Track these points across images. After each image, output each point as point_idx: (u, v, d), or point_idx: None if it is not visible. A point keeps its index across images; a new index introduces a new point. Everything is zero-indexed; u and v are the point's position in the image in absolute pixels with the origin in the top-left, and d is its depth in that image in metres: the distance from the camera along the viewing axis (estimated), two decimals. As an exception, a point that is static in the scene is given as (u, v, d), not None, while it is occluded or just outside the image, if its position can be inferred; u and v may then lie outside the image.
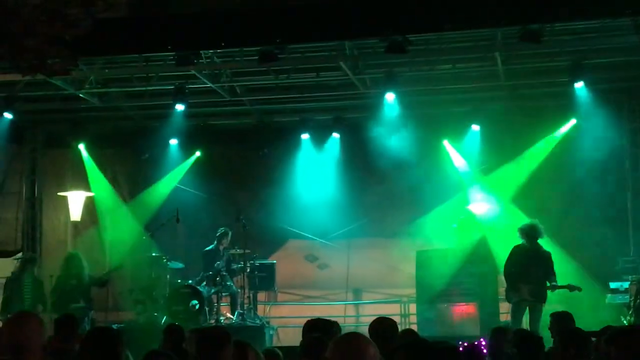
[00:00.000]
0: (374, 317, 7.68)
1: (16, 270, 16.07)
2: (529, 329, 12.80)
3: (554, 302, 13.92)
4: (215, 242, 17.41)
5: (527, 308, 13.83)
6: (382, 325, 7.35)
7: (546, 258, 14.00)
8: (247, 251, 17.11)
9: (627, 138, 17.33)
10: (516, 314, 13.82)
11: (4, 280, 17.47)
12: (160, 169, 19.31)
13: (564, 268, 15.91)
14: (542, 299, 13.84)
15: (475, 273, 14.92)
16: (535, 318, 13.61)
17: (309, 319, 7.85)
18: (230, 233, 17.37)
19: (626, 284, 15.48)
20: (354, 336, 4.75)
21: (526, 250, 13.94)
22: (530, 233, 13.99)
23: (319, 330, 7.27)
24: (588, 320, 11.50)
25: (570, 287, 14.00)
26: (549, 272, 13.90)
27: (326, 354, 4.64)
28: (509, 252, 14.23)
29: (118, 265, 16.69)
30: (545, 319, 12.35)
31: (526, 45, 14.08)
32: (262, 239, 18.18)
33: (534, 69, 16.58)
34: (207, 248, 17.46)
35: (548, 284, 13.92)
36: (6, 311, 15.39)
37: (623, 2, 13.05)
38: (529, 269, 13.81)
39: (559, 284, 14.00)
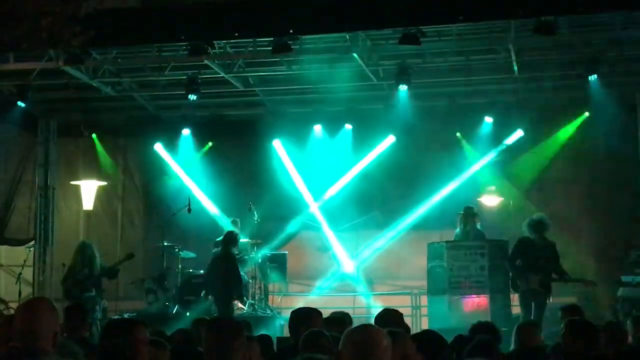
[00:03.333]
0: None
1: (218, 250, 15.54)
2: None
3: (568, 295, 13.91)
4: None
5: (534, 300, 13.82)
6: (387, 317, 7.33)
7: (552, 249, 14.05)
8: (258, 241, 17.14)
9: (640, 131, 17.27)
10: (526, 304, 13.83)
11: (17, 269, 17.57)
12: (173, 159, 19.34)
13: (577, 261, 15.91)
14: (549, 289, 13.89)
15: (486, 265, 14.89)
16: (540, 309, 13.61)
17: (322, 309, 7.84)
18: (239, 221, 17.42)
19: (638, 278, 15.44)
20: (367, 328, 4.71)
21: (533, 242, 13.96)
22: (537, 227, 14.01)
23: (305, 320, 7.25)
24: (600, 313, 11.47)
25: (585, 282, 14.01)
26: (556, 263, 13.96)
27: (339, 346, 4.61)
28: (516, 242, 14.25)
29: (129, 255, 16.69)
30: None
31: (540, 38, 14.02)
32: (274, 230, 18.23)
33: (548, 62, 16.53)
34: (218, 239, 17.49)
35: (556, 276, 13.92)
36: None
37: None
38: (537, 260, 13.84)
39: (572, 277, 14.00)
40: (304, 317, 7.38)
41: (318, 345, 6.20)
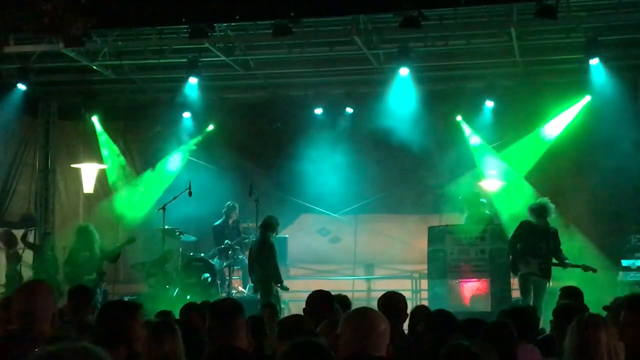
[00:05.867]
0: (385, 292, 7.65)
1: (258, 235, 15.27)
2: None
3: (567, 279, 13.92)
4: (224, 216, 17.45)
5: (533, 284, 13.84)
6: (392, 301, 7.32)
7: (554, 235, 14.08)
8: (259, 225, 17.15)
9: (641, 115, 17.25)
10: (525, 287, 13.85)
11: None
12: (173, 142, 19.33)
13: (576, 245, 15.92)
14: (548, 275, 13.92)
15: (486, 249, 14.90)
16: (539, 294, 13.62)
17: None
18: (237, 206, 17.44)
19: (638, 262, 15.46)
20: (365, 311, 4.73)
21: (535, 226, 13.98)
22: (540, 211, 14.02)
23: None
24: (600, 297, 11.46)
25: (585, 267, 13.99)
26: (557, 249, 14.00)
27: (338, 329, 4.62)
28: (517, 225, 14.27)
29: (130, 238, 16.71)
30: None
31: (541, 21, 14.00)
32: (274, 213, 18.22)
33: (549, 45, 16.52)
34: (216, 223, 17.51)
35: (556, 261, 13.95)
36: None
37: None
38: (538, 244, 13.87)
39: (572, 263, 14.01)
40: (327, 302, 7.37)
41: (301, 330, 6.21)
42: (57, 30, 10.69)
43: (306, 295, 7.69)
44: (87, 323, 7.07)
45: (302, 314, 7.42)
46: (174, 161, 19.48)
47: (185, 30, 14.95)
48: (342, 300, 8.46)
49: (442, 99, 17.95)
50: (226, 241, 17.10)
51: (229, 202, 17.55)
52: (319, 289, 7.84)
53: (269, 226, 14.78)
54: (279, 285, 14.58)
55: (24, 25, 10.79)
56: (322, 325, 6.42)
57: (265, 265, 14.56)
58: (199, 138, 19.48)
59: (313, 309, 7.34)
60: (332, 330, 6.08)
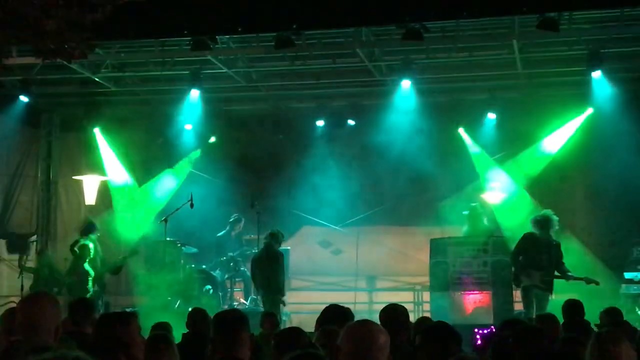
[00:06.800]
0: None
1: (261, 249, 15.39)
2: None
3: (570, 292, 13.90)
4: (228, 227, 17.44)
5: (535, 296, 13.81)
6: (394, 313, 7.29)
7: (557, 247, 14.06)
8: (261, 237, 17.12)
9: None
10: (528, 299, 13.82)
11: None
12: (175, 154, 19.34)
13: (579, 257, 15.87)
14: (551, 288, 13.88)
15: (489, 261, 14.87)
16: (542, 307, 13.59)
17: (325, 305, 7.77)
18: (243, 219, 17.42)
19: (641, 275, 15.46)
20: (365, 323, 4.73)
21: (538, 238, 13.97)
22: (544, 223, 14.00)
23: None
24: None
25: (587, 280, 13.96)
26: (559, 261, 13.98)
27: (338, 340, 4.61)
28: (520, 237, 14.24)
29: (133, 251, 16.69)
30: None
31: (544, 34, 14.00)
32: (276, 225, 18.21)
33: (552, 58, 16.51)
34: (220, 234, 17.48)
35: (559, 274, 13.92)
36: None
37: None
38: (541, 256, 13.86)
39: (574, 275, 13.98)
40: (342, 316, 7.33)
41: (298, 343, 6.20)
42: (61, 51, 10.63)
43: (307, 307, 7.66)
44: (88, 335, 7.06)
45: (301, 326, 7.38)
46: (176, 173, 19.47)
47: (188, 42, 14.95)
48: (345, 313, 8.43)
49: (444, 111, 17.95)
50: (229, 254, 17.08)
51: (235, 214, 17.55)
52: (334, 303, 7.77)
53: (277, 238, 14.86)
54: (279, 296, 14.59)
55: (28, 46, 10.77)
56: (315, 337, 6.43)
57: (269, 278, 14.57)
58: (200, 150, 19.50)
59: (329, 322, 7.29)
60: (327, 340, 6.08)
